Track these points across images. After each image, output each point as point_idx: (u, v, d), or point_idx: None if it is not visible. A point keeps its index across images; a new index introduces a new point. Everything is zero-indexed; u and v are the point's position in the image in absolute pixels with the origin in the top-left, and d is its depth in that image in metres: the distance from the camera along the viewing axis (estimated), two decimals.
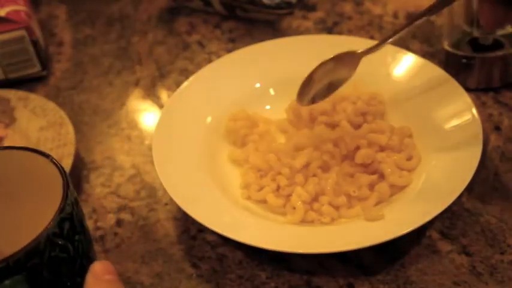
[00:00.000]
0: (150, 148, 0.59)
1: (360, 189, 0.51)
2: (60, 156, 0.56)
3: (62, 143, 0.58)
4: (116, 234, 0.53)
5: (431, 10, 0.50)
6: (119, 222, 0.54)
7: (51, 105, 0.62)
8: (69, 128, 0.59)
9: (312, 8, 0.77)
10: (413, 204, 0.49)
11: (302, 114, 0.57)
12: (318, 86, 0.52)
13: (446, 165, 0.51)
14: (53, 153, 0.44)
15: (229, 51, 0.70)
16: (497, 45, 0.61)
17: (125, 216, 0.55)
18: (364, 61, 0.61)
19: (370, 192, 0.51)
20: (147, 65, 0.73)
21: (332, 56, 0.52)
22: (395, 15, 0.74)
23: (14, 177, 0.44)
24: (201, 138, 0.57)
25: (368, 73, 0.61)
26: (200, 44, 0.74)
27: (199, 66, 0.68)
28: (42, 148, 0.56)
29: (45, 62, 0.72)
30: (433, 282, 0.46)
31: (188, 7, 0.80)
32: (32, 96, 0.64)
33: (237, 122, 0.58)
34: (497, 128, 0.58)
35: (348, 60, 0.52)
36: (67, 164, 0.55)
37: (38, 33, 0.73)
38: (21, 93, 0.65)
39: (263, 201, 0.52)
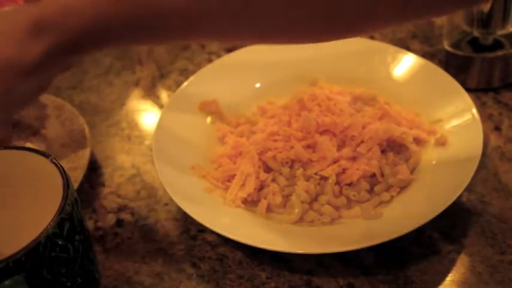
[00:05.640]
0: (150, 148, 0.59)
1: (360, 193, 0.51)
2: None
3: (74, 166, 0.56)
4: (116, 234, 0.53)
5: None
6: (119, 222, 0.54)
7: (80, 120, 0.61)
8: (87, 151, 0.57)
9: None
10: (413, 204, 0.49)
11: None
12: None
13: (446, 165, 0.51)
14: None
15: (229, 51, 0.70)
16: (497, 45, 0.61)
17: (125, 216, 0.55)
18: (364, 61, 0.62)
19: (369, 195, 0.51)
20: (147, 65, 0.73)
21: None
22: None
23: (14, 177, 0.44)
24: (201, 138, 0.57)
25: (368, 73, 0.61)
26: (200, 44, 0.74)
27: (199, 66, 0.68)
28: None
29: None
30: (434, 282, 0.46)
31: None
32: (67, 106, 0.63)
33: (237, 126, 0.58)
34: (497, 128, 0.58)
35: None
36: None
37: None
38: (59, 101, 0.64)
39: (263, 201, 0.52)
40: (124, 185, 0.58)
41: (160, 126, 0.56)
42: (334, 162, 0.52)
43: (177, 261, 0.50)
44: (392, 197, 0.51)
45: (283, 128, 0.55)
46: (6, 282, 0.35)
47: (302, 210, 0.50)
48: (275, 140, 0.54)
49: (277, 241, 0.47)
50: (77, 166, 0.56)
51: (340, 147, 0.53)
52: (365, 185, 0.51)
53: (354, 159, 0.52)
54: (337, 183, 0.52)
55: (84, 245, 0.40)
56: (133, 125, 0.65)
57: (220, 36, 0.45)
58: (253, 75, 0.62)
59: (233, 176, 0.53)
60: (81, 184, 0.56)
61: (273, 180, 0.53)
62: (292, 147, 0.53)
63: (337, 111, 0.55)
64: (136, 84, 0.70)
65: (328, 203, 0.51)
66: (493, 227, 0.50)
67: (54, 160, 0.41)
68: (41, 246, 0.36)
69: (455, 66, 0.62)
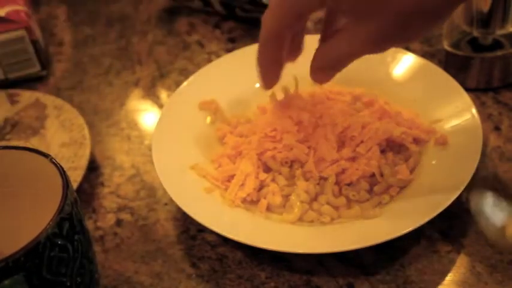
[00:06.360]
0: (150, 148, 0.59)
1: (359, 193, 0.51)
2: None
3: (74, 166, 0.56)
4: (115, 234, 0.53)
5: None
6: (119, 222, 0.54)
7: (80, 120, 0.62)
8: (86, 151, 0.58)
9: None
10: (413, 204, 0.49)
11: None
12: None
13: (446, 165, 0.51)
14: None
15: (229, 51, 0.70)
16: (497, 45, 0.61)
17: (125, 216, 0.55)
18: (364, 61, 0.62)
19: (369, 195, 0.51)
20: (147, 65, 0.73)
21: None
22: None
23: (13, 177, 0.44)
24: (201, 138, 0.57)
25: (367, 73, 0.61)
26: (200, 44, 0.75)
27: (199, 66, 0.68)
28: None
29: (45, 62, 0.72)
30: (433, 282, 0.46)
31: (188, 7, 0.80)
32: (67, 106, 0.64)
33: (237, 126, 0.58)
34: (497, 128, 0.58)
35: None
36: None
37: (38, 33, 0.73)
38: (58, 101, 0.65)
39: (262, 201, 0.52)
40: (124, 185, 0.58)
41: (160, 126, 0.56)
42: (334, 162, 0.52)
43: (176, 261, 0.50)
44: (392, 197, 0.51)
45: (283, 128, 0.55)
46: (6, 282, 0.35)
47: (302, 210, 0.50)
48: (274, 141, 0.54)
49: (277, 241, 0.47)
50: (76, 166, 0.56)
51: (339, 148, 0.53)
52: (364, 185, 0.51)
53: (353, 159, 0.52)
54: (337, 183, 0.52)
55: (84, 244, 0.40)
56: (133, 125, 0.65)
57: None
58: (253, 75, 0.62)
59: (233, 176, 0.53)
60: (81, 184, 0.56)
61: (273, 180, 0.52)
62: (291, 148, 0.53)
63: (337, 111, 0.55)
64: (136, 84, 0.70)
65: (328, 203, 0.51)
66: None
67: (54, 160, 0.41)
68: (40, 246, 0.36)
69: (455, 66, 0.62)
